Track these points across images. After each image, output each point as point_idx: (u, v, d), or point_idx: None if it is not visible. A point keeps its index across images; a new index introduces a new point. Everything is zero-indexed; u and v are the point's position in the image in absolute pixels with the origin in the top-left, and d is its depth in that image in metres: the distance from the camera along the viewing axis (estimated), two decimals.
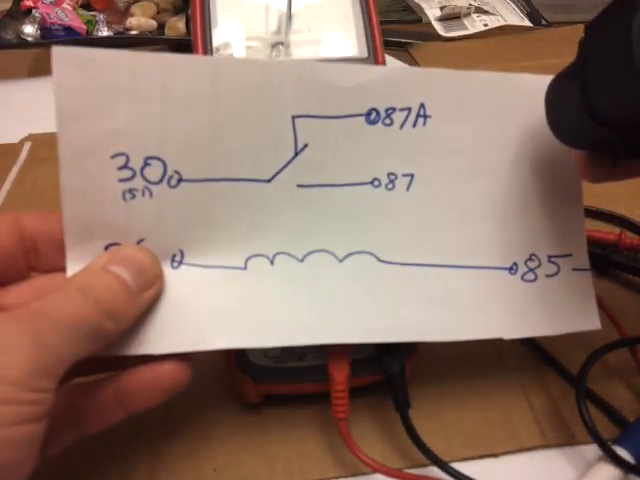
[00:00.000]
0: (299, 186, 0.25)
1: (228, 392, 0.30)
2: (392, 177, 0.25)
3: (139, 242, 0.23)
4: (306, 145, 0.24)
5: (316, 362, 0.27)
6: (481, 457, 0.28)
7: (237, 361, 0.27)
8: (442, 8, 0.70)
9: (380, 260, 0.26)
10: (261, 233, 0.25)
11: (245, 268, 0.25)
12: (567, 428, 0.29)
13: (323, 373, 0.27)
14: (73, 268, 0.23)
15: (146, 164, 0.23)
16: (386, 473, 0.25)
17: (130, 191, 0.23)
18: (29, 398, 0.18)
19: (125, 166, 0.23)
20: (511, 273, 0.27)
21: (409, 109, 0.25)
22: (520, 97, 0.26)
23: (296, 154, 0.24)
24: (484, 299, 0.26)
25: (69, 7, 0.64)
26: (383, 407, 0.29)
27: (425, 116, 0.25)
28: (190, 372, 0.23)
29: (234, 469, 0.27)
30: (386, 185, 0.25)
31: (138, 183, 0.23)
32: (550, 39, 0.63)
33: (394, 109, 0.25)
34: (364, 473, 0.27)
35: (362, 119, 0.25)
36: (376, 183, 0.25)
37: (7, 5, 0.66)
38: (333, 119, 0.24)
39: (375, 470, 0.26)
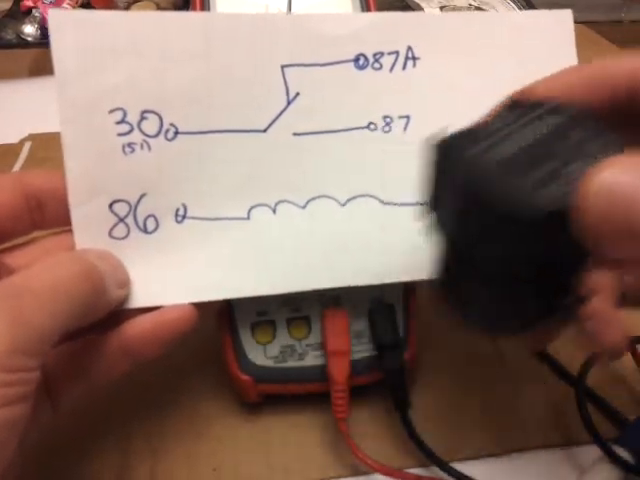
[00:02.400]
0: (295, 134, 0.25)
1: (228, 392, 0.30)
2: (388, 120, 0.26)
3: (142, 197, 0.24)
4: (298, 94, 0.25)
5: (316, 362, 0.27)
6: (481, 457, 0.28)
7: (237, 361, 0.27)
8: (442, 8, 0.70)
9: (383, 202, 0.26)
10: (261, 183, 0.25)
11: (248, 218, 0.25)
12: (567, 428, 0.29)
13: (323, 373, 0.27)
14: (79, 228, 0.23)
15: (143, 118, 0.24)
16: (386, 473, 0.25)
17: (129, 145, 0.23)
18: (8, 379, 0.17)
19: (123, 120, 0.23)
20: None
21: (397, 52, 0.25)
22: (508, 32, 0.26)
23: (289, 103, 0.25)
24: None
25: (69, 7, 0.64)
26: (383, 407, 0.29)
27: (414, 58, 0.25)
28: (196, 316, 0.24)
29: (234, 469, 0.27)
30: (382, 128, 0.26)
31: (136, 137, 0.24)
32: None
33: (382, 53, 0.25)
34: (364, 473, 0.27)
35: (350, 65, 0.25)
36: (372, 127, 0.26)
37: (7, 5, 0.66)
38: (321, 67, 0.25)
39: (375, 470, 0.26)
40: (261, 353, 0.27)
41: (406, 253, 0.25)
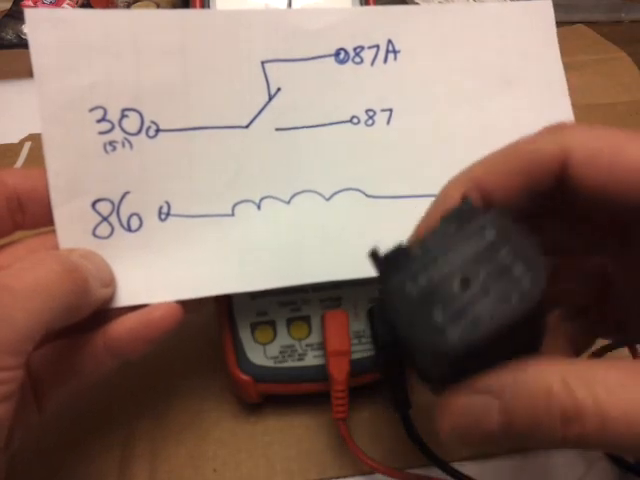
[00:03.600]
0: (277, 130, 0.25)
1: (228, 392, 0.30)
2: (370, 113, 0.26)
3: (124, 195, 0.24)
4: (279, 89, 0.25)
5: (316, 362, 0.27)
6: (481, 457, 0.28)
7: (237, 361, 0.27)
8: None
9: (367, 195, 0.26)
10: (245, 179, 0.25)
11: (232, 215, 0.25)
12: None
13: (323, 373, 0.27)
14: (62, 228, 0.23)
15: (123, 116, 0.24)
16: (386, 473, 0.25)
17: (110, 143, 0.23)
18: None
19: (103, 119, 0.23)
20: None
21: (377, 46, 0.25)
22: (487, 23, 0.26)
23: (270, 98, 0.25)
24: None
25: (69, 7, 0.64)
26: (383, 407, 0.29)
27: (395, 51, 0.26)
28: (182, 314, 0.23)
29: (234, 469, 0.27)
30: (365, 122, 0.26)
31: (117, 135, 0.24)
32: None
33: (362, 47, 0.25)
34: (364, 473, 0.27)
35: (331, 59, 0.25)
36: (355, 121, 0.26)
37: (7, 5, 0.66)
38: (302, 61, 0.25)
39: (375, 470, 0.26)
40: (261, 353, 0.27)
41: (391, 246, 0.25)
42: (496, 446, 0.18)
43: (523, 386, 0.15)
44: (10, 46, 0.61)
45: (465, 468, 0.25)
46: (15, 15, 0.64)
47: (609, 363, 0.15)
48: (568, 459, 0.28)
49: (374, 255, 0.17)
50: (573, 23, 0.59)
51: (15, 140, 0.49)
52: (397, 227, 0.25)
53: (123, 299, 0.23)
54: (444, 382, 0.17)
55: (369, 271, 0.25)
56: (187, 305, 0.24)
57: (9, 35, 0.61)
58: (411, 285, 0.15)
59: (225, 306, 0.27)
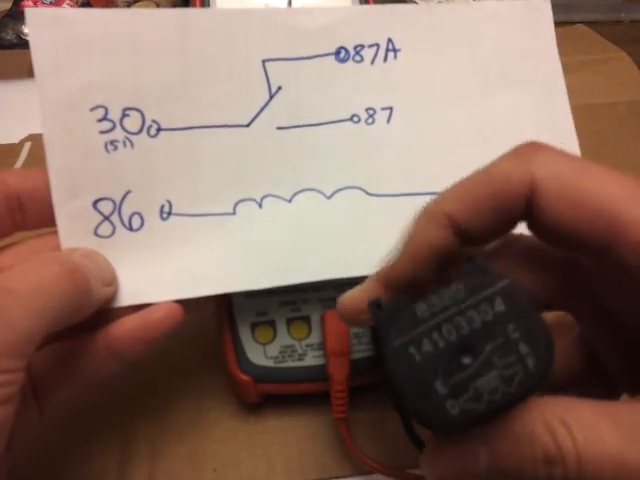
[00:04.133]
0: (279, 128, 0.25)
1: (228, 392, 0.30)
2: (371, 112, 0.26)
3: (126, 194, 0.24)
4: (280, 88, 0.25)
5: (316, 362, 0.27)
6: None
7: (237, 361, 0.27)
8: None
9: (368, 193, 0.26)
10: (246, 177, 0.25)
11: (234, 213, 0.25)
12: None
13: (323, 373, 0.27)
14: (64, 228, 0.23)
15: (124, 115, 0.24)
16: (386, 473, 0.25)
17: (112, 142, 0.24)
18: None
19: (104, 118, 0.23)
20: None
21: (377, 45, 0.25)
22: (487, 23, 0.26)
23: (271, 97, 0.25)
24: None
25: (69, 7, 0.64)
26: (383, 407, 0.29)
27: (395, 50, 0.26)
28: (182, 314, 0.23)
29: (234, 469, 0.27)
30: (366, 120, 0.26)
31: (118, 134, 0.24)
32: None
33: (362, 46, 0.25)
34: (364, 473, 0.27)
35: (332, 58, 0.25)
36: (355, 119, 0.26)
37: (7, 5, 0.66)
38: (303, 60, 0.25)
39: (375, 470, 0.26)
40: (261, 353, 0.27)
41: (392, 244, 0.25)
42: None
43: (508, 429, 0.15)
44: (10, 46, 0.61)
45: None
46: (15, 15, 0.64)
47: (584, 402, 0.15)
48: None
49: (375, 306, 0.17)
50: (573, 23, 0.59)
51: (15, 140, 0.49)
52: (398, 225, 0.26)
53: (125, 298, 0.23)
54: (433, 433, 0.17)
55: (370, 269, 0.25)
56: (188, 305, 0.24)
57: (9, 35, 0.61)
58: (414, 350, 0.15)
59: (225, 306, 0.27)
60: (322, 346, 0.27)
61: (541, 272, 0.19)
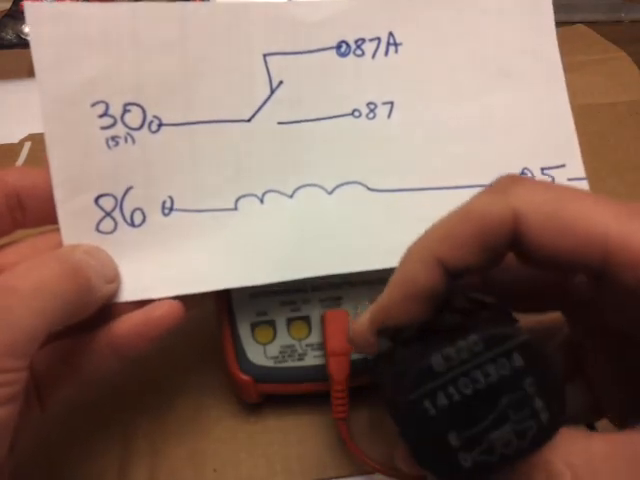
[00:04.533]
0: (280, 123, 0.25)
1: (228, 392, 0.30)
2: (372, 106, 0.26)
3: (127, 190, 0.24)
4: (281, 82, 0.25)
5: (316, 362, 0.27)
6: None
7: (237, 361, 0.27)
8: None
9: (369, 189, 0.26)
10: (248, 173, 0.25)
11: (235, 209, 0.25)
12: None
13: (323, 373, 0.27)
14: (66, 224, 0.23)
15: (125, 110, 0.24)
16: (386, 473, 0.25)
17: (113, 138, 0.23)
18: None
19: (105, 114, 0.23)
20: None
21: (378, 39, 0.25)
22: (488, 17, 0.26)
23: (272, 91, 0.25)
24: None
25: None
26: (383, 407, 0.29)
27: (396, 44, 0.26)
28: (183, 312, 0.24)
29: (234, 469, 0.27)
30: (367, 115, 0.26)
31: (120, 130, 0.24)
32: None
33: (363, 40, 0.25)
34: (364, 473, 0.27)
35: (333, 52, 0.25)
36: (356, 114, 0.26)
37: (7, 5, 0.66)
38: (304, 54, 0.25)
39: (375, 470, 0.26)
40: (261, 353, 0.27)
41: (393, 239, 0.25)
42: None
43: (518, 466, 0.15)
44: (10, 46, 0.61)
45: None
46: (15, 15, 0.64)
47: (587, 439, 0.15)
48: None
49: (386, 333, 0.17)
50: (573, 23, 0.59)
51: (15, 140, 0.49)
52: (399, 220, 0.26)
53: (127, 294, 0.23)
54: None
55: (371, 264, 0.25)
56: (189, 301, 0.24)
57: (9, 35, 0.61)
58: (429, 404, 0.15)
59: (225, 306, 0.27)
60: (322, 346, 0.27)
61: (537, 277, 0.19)
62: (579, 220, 0.15)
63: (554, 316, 0.21)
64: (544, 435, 0.15)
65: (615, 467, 0.14)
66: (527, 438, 0.14)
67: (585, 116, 0.46)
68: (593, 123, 0.46)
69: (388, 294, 0.18)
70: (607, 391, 0.21)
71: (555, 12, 0.27)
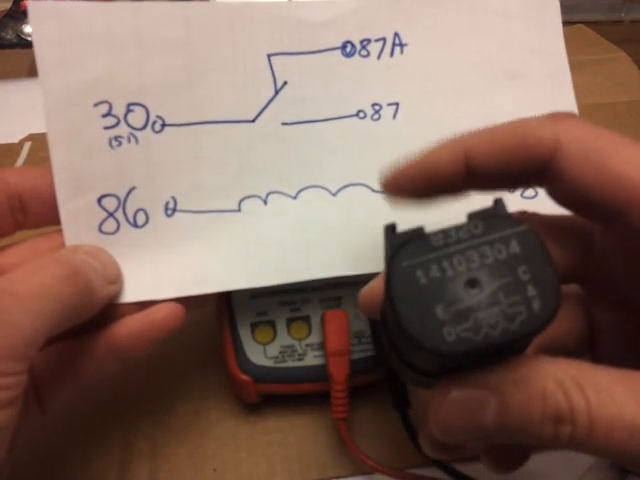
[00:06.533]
0: (284, 124, 0.25)
1: (228, 392, 0.30)
2: (377, 107, 0.26)
3: (130, 191, 0.24)
4: (286, 82, 0.25)
5: (316, 362, 0.27)
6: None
7: (237, 361, 0.27)
8: None
9: (374, 190, 0.26)
10: (251, 174, 0.25)
11: (239, 210, 0.25)
12: None
13: (323, 373, 0.27)
14: (68, 224, 0.23)
15: (129, 110, 0.23)
16: (386, 473, 0.25)
17: (116, 138, 0.23)
18: None
19: (108, 113, 0.23)
20: (510, 192, 0.27)
21: (384, 39, 0.25)
22: (494, 17, 0.26)
23: (276, 92, 0.25)
24: None
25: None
26: (383, 407, 0.29)
27: (401, 45, 0.25)
28: (184, 314, 0.24)
29: (234, 469, 0.27)
30: (372, 116, 0.26)
31: (123, 130, 0.23)
32: None
33: (369, 40, 0.25)
34: (364, 473, 0.27)
35: (338, 52, 0.25)
36: (361, 115, 0.26)
37: (7, 5, 0.66)
38: (309, 54, 0.25)
39: (375, 470, 0.26)
40: (261, 353, 0.27)
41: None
42: (486, 441, 0.18)
43: (521, 384, 0.15)
44: (10, 46, 0.61)
45: (465, 468, 0.25)
46: (15, 15, 0.64)
47: (600, 367, 0.15)
48: (568, 459, 0.28)
49: (390, 229, 0.17)
50: (573, 23, 0.59)
51: (15, 140, 0.49)
52: (404, 222, 0.25)
53: (129, 295, 0.23)
54: (431, 374, 0.16)
55: (376, 267, 0.25)
56: (191, 302, 0.24)
57: (9, 35, 0.61)
58: (422, 273, 0.15)
59: (225, 306, 0.27)
60: (322, 346, 0.27)
61: (556, 246, 0.19)
62: (613, 159, 0.16)
63: (571, 288, 0.21)
64: (534, 324, 0.14)
65: (631, 393, 0.14)
66: (515, 323, 0.14)
67: (585, 116, 0.45)
68: (593, 123, 0.46)
69: (404, 166, 0.19)
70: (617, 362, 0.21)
71: None
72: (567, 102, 0.27)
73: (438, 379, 0.16)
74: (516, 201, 0.26)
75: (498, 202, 0.16)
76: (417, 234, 0.16)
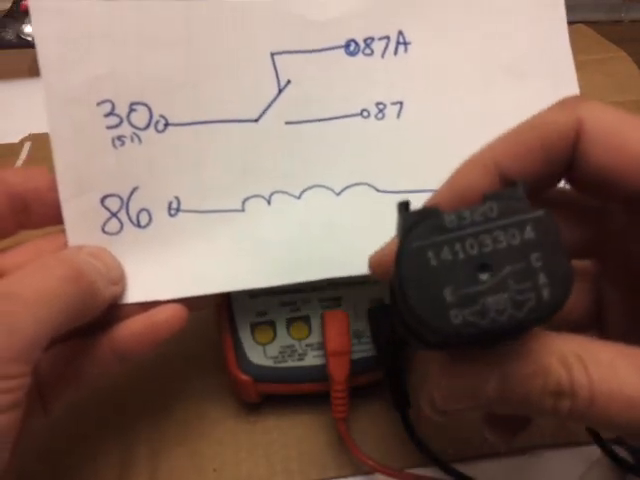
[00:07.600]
0: (287, 123, 0.25)
1: (228, 392, 0.30)
2: (381, 107, 0.25)
3: (133, 190, 0.24)
4: (289, 81, 0.25)
5: (316, 362, 0.27)
6: (481, 457, 0.28)
7: (237, 361, 0.27)
8: None
9: (378, 190, 0.26)
10: (255, 173, 0.25)
11: (243, 210, 0.25)
12: (567, 428, 0.29)
13: (323, 373, 0.27)
14: (71, 225, 0.23)
15: (132, 110, 0.23)
16: (386, 473, 0.25)
17: (119, 138, 0.23)
18: None
19: (111, 113, 0.23)
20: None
21: (388, 37, 0.25)
22: (499, 15, 0.26)
23: (280, 91, 0.24)
24: None
25: None
26: (383, 407, 0.29)
27: (405, 43, 0.25)
28: (186, 315, 0.24)
29: (234, 469, 0.27)
30: (376, 115, 0.25)
31: (126, 129, 0.23)
32: None
33: (372, 39, 0.25)
34: (364, 473, 0.27)
35: (341, 51, 0.25)
36: (365, 114, 0.25)
37: (7, 5, 0.66)
38: (312, 53, 0.25)
39: (375, 470, 0.26)
40: (261, 353, 0.27)
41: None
42: (486, 410, 0.18)
43: (524, 358, 0.15)
44: (10, 46, 0.61)
45: (465, 468, 0.25)
46: (15, 15, 0.64)
47: (603, 343, 0.15)
48: (568, 459, 0.28)
49: (404, 206, 0.17)
50: (573, 23, 0.59)
51: (15, 140, 0.49)
52: None
53: (132, 295, 0.23)
54: (437, 347, 0.17)
55: None
56: (193, 303, 0.24)
57: (9, 35, 0.61)
58: (432, 254, 0.15)
59: (225, 306, 0.27)
60: (322, 346, 0.27)
61: (572, 220, 0.19)
62: (636, 141, 0.16)
63: (582, 264, 0.21)
64: (542, 312, 0.14)
65: (633, 368, 0.15)
66: (523, 310, 0.14)
67: None
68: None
69: (437, 193, 0.18)
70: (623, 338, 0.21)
71: None
72: None
73: (442, 350, 0.17)
74: None
75: (517, 185, 0.16)
76: (431, 213, 0.16)
